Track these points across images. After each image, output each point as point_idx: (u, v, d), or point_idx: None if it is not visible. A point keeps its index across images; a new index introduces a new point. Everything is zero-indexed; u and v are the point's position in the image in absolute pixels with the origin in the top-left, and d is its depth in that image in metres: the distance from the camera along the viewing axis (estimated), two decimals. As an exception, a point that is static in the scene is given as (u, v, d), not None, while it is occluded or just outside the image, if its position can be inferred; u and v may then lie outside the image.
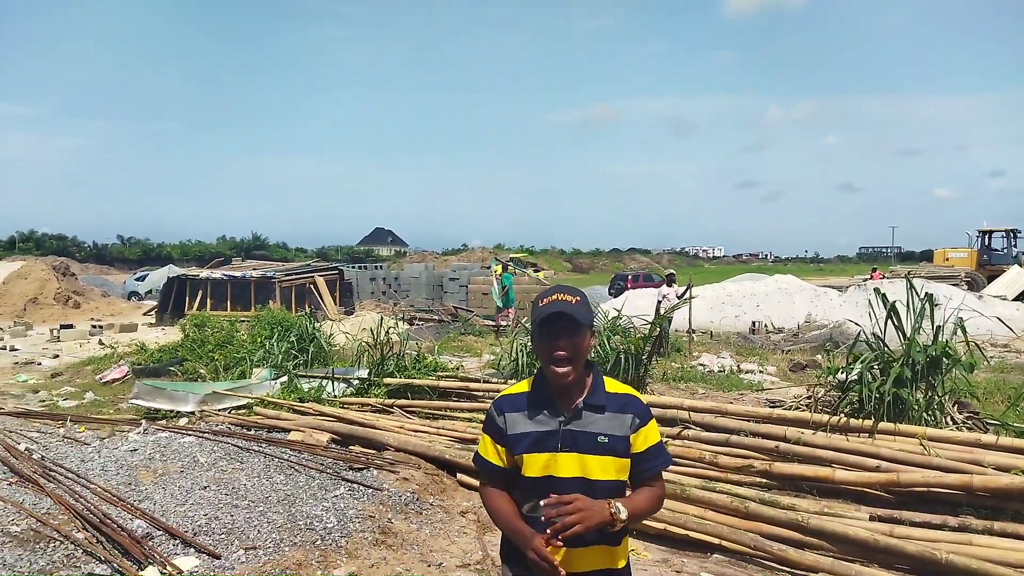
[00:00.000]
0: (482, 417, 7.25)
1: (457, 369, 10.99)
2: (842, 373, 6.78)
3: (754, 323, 18.61)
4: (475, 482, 5.91)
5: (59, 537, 4.68)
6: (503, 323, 18.13)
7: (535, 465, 2.08)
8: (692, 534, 4.81)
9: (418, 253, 78.34)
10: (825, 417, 6.11)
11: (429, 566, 4.57)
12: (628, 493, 2.16)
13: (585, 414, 2.09)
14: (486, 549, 4.83)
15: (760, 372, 11.62)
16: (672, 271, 15.89)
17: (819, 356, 12.86)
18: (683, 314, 14.08)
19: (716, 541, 4.74)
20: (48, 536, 4.71)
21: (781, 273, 26.11)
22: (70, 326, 19.35)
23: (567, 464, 2.06)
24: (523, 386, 2.20)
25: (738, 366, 12.16)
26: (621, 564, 2.16)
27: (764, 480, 5.57)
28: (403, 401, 8.00)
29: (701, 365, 12.24)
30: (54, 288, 24.62)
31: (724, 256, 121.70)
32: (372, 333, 9.51)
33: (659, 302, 14.30)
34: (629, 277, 37.71)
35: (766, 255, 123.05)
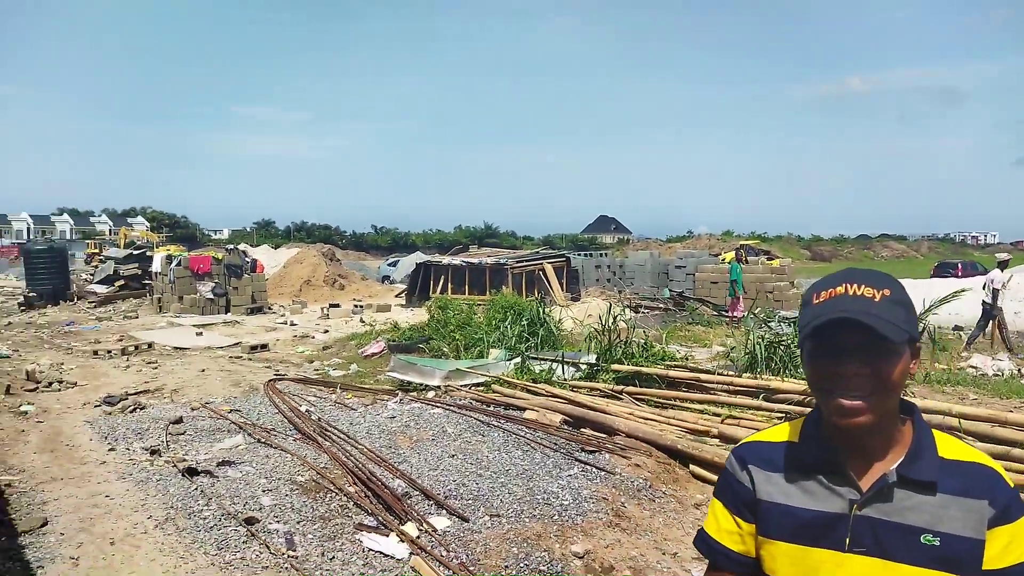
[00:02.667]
0: (715, 410, 7.09)
1: (686, 359, 10.79)
2: None
3: (1039, 321, 15.98)
4: (710, 475, 5.79)
5: (334, 489, 5.37)
6: (736, 314, 17.41)
7: (798, 567, 1.27)
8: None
9: (642, 241, 77.69)
10: None
11: (664, 554, 4.56)
12: None
13: (898, 493, 1.23)
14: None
15: (1048, 378, 9.98)
16: (1007, 255, 13.93)
17: None
18: (949, 309, 12.47)
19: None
20: (325, 487, 5.42)
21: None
22: (337, 305, 21.93)
23: (853, 571, 1.23)
24: (782, 432, 1.38)
25: (1019, 370, 10.55)
26: None
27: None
28: (632, 388, 8.02)
29: (972, 367, 10.81)
30: (323, 272, 28.03)
31: (999, 243, 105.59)
32: (599, 319, 9.64)
33: (996, 290, 12.73)
34: (960, 266, 34.14)
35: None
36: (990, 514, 1.19)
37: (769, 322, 11.06)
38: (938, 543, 1.19)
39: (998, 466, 1.26)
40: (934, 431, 1.30)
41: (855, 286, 1.24)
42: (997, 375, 10.28)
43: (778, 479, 1.31)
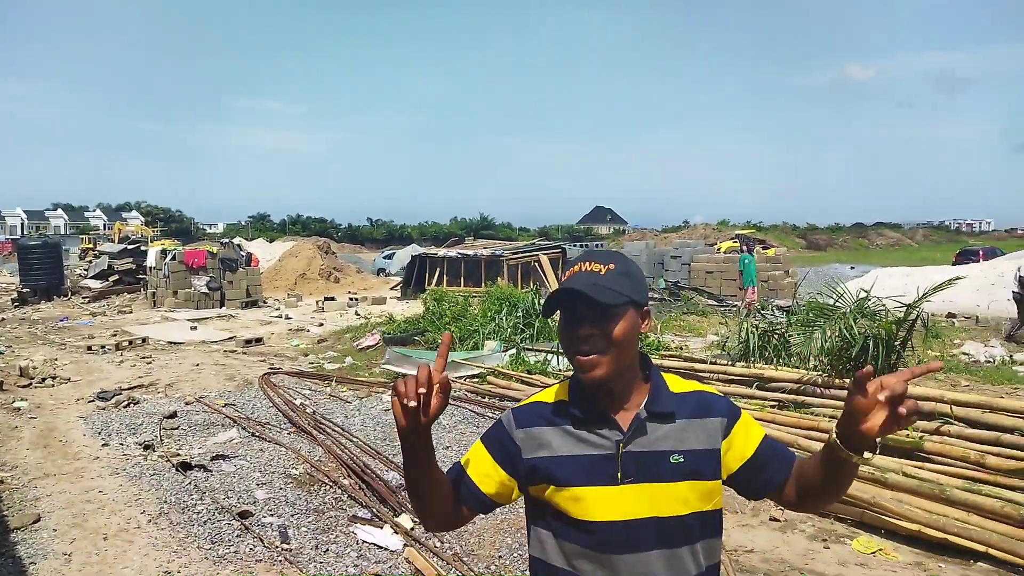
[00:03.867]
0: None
1: (680, 349, 10.81)
2: None
3: (1033, 308, 16.03)
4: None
5: (329, 482, 5.37)
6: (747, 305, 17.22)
7: (583, 505, 1.43)
8: (952, 539, 4.32)
9: (637, 231, 77.69)
10: None
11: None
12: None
13: (650, 426, 1.45)
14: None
15: (1040, 364, 10.01)
16: None
17: (1122, 348, 10.78)
18: (943, 296, 12.51)
19: (982, 549, 4.22)
20: (320, 480, 5.43)
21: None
22: (332, 298, 21.91)
23: (632, 501, 1.42)
24: (554, 393, 1.56)
25: (1011, 356, 10.59)
26: None
27: (1046, 487, 4.82)
28: (627, 378, 8.03)
29: (965, 354, 10.84)
30: (319, 265, 27.98)
31: (993, 230, 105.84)
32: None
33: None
34: (981, 252, 34.73)
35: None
36: (722, 425, 1.49)
37: (763, 311, 11.07)
38: (683, 460, 1.45)
39: (713, 388, 1.58)
40: (663, 374, 1.55)
41: (587, 264, 1.48)
42: (989, 362, 10.31)
43: (554, 433, 1.48)
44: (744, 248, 18.89)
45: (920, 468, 5.08)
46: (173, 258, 20.51)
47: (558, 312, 1.49)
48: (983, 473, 5.01)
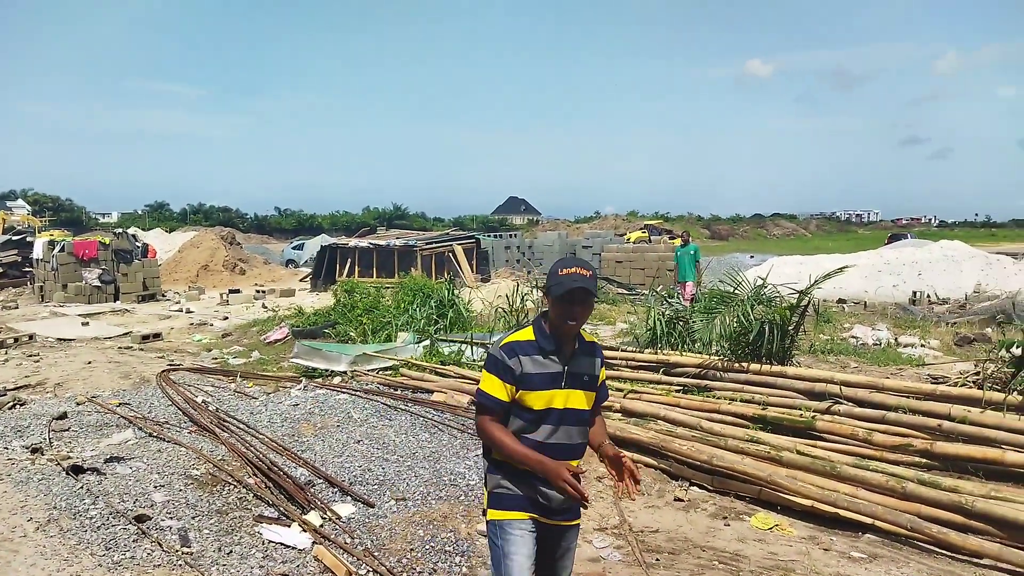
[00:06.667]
0: (618, 385, 7.28)
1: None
2: (1017, 347, 6.16)
3: (915, 293, 17.26)
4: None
5: (232, 481, 5.19)
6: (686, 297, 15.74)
7: (541, 399, 2.54)
8: (842, 512, 4.60)
9: (551, 221, 78.59)
10: (995, 395, 5.60)
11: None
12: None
13: (580, 358, 2.62)
14: (623, 514, 4.86)
15: (921, 346, 10.78)
16: None
17: (989, 329, 11.74)
18: (834, 283, 13.25)
19: (869, 521, 4.51)
20: (223, 480, 5.23)
21: (947, 239, 23.93)
22: (237, 291, 21.14)
23: (565, 398, 2.56)
24: (527, 333, 2.61)
25: (896, 339, 11.35)
26: None
27: (923, 460, 5.20)
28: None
29: (853, 337, 11.54)
30: (223, 256, 26.92)
31: (880, 220, 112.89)
32: (508, 300, 9.70)
33: None
34: (908, 236, 38.88)
35: (930, 219, 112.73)
36: (601, 361, 2.74)
37: (670, 299, 11.42)
38: (589, 378, 2.64)
39: (596, 338, 3.12)
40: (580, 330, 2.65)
41: (582, 269, 2.56)
42: (876, 344, 11.02)
43: (531, 360, 2.55)
44: (682, 241, 16.63)
45: (813, 446, 5.38)
46: (62, 249, 19.28)
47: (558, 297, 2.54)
48: (870, 450, 5.36)
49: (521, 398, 2.54)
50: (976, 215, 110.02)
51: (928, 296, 17.12)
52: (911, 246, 22.74)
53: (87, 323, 14.59)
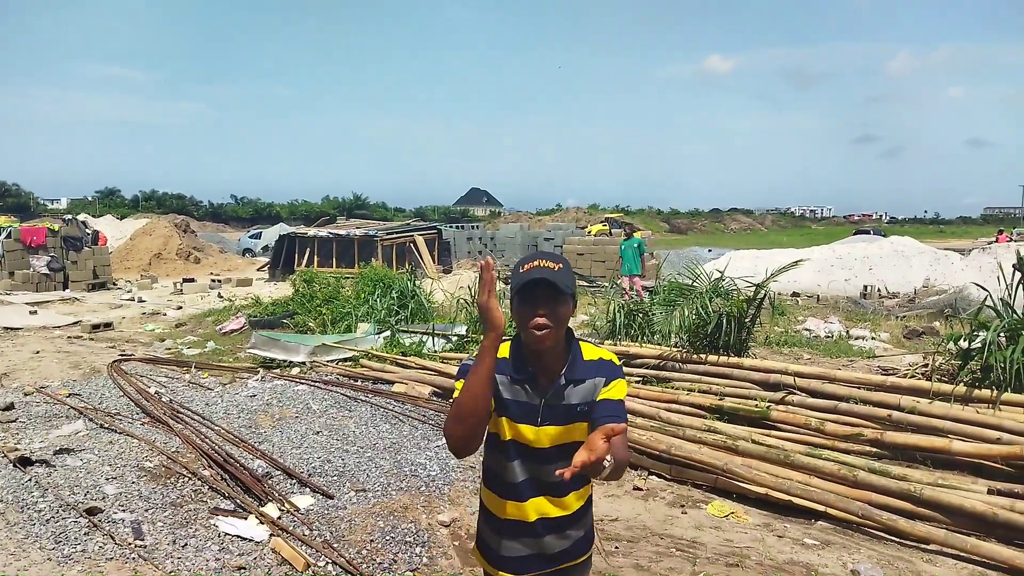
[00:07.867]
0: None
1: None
2: (964, 340, 6.37)
3: (866, 287, 17.71)
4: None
5: (187, 474, 5.09)
6: (628, 290, 14.32)
7: (512, 430, 2.03)
8: (796, 500, 4.71)
9: (513, 213, 78.58)
10: (943, 386, 5.79)
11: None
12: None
13: (566, 388, 1.99)
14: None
15: (872, 338, 11.08)
16: None
17: (937, 323, 12.12)
18: (788, 276, 13.54)
19: (821, 508, 4.63)
20: (178, 472, 5.13)
21: (897, 235, 24.64)
22: (191, 280, 20.69)
23: (545, 435, 2.01)
24: (504, 349, 2.03)
25: (847, 331, 11.64)
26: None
27: (874, 449, 5.36)
28: (501, 358, 8.12)
29: (807, 330, 11.80)
30: (176, 244, 26.30)
31: (833, 216, 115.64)
32: (470, 291, 9.68)
33: None
34: (872, 231, 40.35)
35: (880, 215, 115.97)
36: (602, 384, 2.00)
37: (629, 291, 11.52)
38: (585, 408, 1.98)
39: (613, 356, 2.08)
40: (580, 342, 2.06)
41: (543, 261, 1.96)
42: (828, 336, 11.29)
43: (502, 379, 2.01)
44: (625, 233, 15.95)
45: (767, 435, 5.49)
46: (8, 236, 18.66)
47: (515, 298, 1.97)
48: (823, 439, 5.49)
49: (500, 424, 2.04)
50: (925, 212, 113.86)
51: (879, 290, 17.59)
52: (862, 242, 23.36)
53: (35, 312, 14.13)
